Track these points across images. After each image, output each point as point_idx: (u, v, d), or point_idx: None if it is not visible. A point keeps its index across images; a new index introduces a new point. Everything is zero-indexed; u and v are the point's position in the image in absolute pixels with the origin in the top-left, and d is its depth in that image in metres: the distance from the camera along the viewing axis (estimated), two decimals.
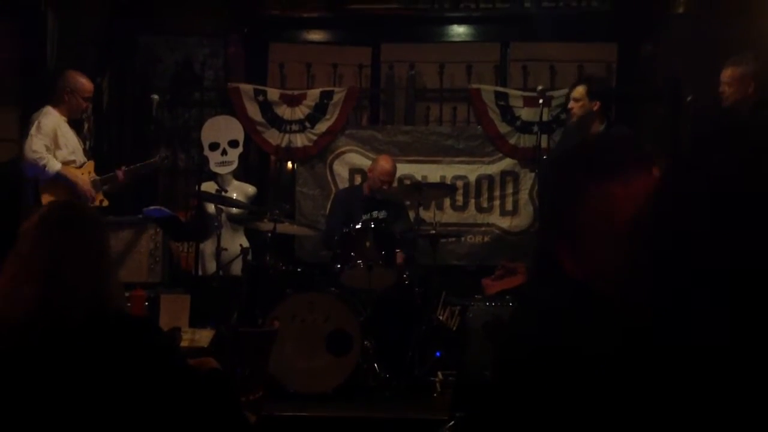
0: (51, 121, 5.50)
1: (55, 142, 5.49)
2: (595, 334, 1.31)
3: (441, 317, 5.59)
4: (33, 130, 5.41)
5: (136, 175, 5.94)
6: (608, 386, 1.19)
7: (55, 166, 5.40)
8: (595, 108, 5.44)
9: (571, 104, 5.57)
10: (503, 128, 6.89)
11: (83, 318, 2.04)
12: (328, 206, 6.80)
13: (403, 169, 6.92)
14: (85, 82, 5.67)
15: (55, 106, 5.59)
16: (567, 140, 5.86)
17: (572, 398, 1.32)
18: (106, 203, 5.71)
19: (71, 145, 5.62)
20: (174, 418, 2.12)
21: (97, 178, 5.71)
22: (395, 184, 6.83)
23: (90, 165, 5.72)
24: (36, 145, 5.37)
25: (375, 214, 6.14)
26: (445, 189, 6.67)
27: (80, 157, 5.67)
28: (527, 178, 6.89)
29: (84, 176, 5.60)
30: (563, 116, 6.82)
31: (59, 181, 5.43)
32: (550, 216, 1.55)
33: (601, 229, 1.41)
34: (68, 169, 5.52)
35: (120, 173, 5.76)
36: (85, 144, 6.15)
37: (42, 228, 2.12)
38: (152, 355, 2.12)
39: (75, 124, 5.89)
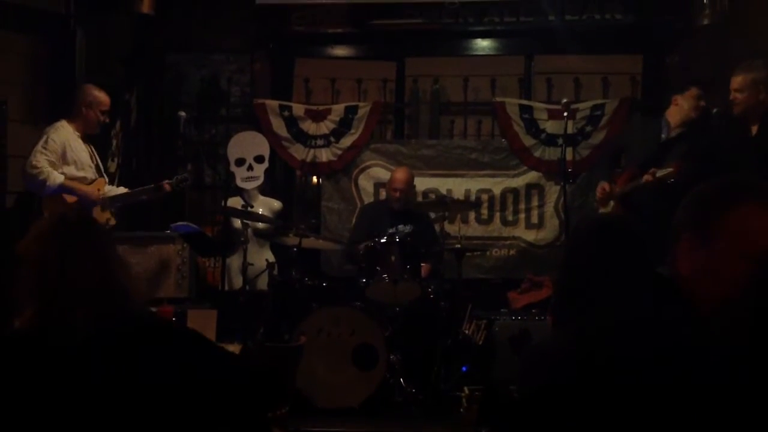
0: (61, 136, 5.52)
1: (63, 157, 5.50)
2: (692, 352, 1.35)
3: (467, 331, 5.57)
4: (40, 145, 5.44)
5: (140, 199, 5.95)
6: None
7: (57, 179, 5.42)
8: None
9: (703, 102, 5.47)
10: (528, 141, 6.89)
11: (92, 318, 2.05)
12: (354, 220, 6.82)
13: (428, 182, 6.94)
14: (102, 96, 5.68)
15: (70, 120, 5.62)
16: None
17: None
18: (113, 222, 5.69)
19: (81, 161, 5.62)
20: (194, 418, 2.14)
21: (107, 196, 5.71)
22: (420, 197, 6.86)
23: (100, 182, 5.71)
24: (37, 160, 5.40)
25: (401, 228, 6.14)
26: (470, 203, 6.67)
27: (90, 174, 5.67)
28: (552, 191, 6.87)
29: (94, 191, 5.61)
30: (588, 128, 6.81)
31: (63, 193, 5.45)
32: (684, 212, 1.53)
33: (737, 251, 1.42)
34: (73, 182, 5.52)
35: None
36: (113, 160, 6.22)
37: (45, 238, 2.14)
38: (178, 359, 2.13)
39: (101, 142, 5.94)
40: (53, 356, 2.02)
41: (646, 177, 5.07)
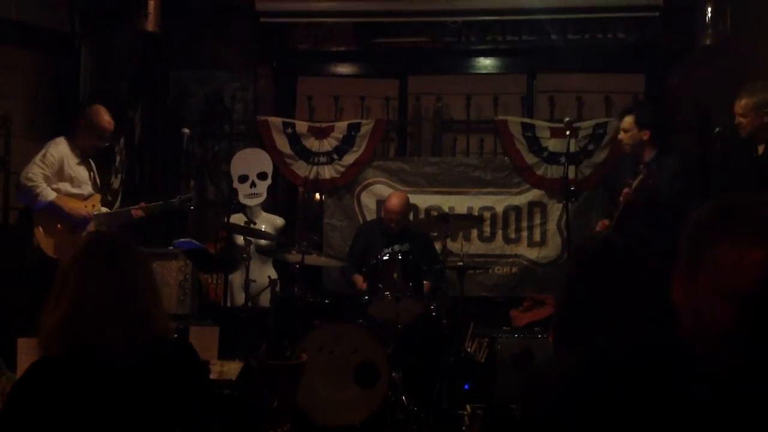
0: (60, 151, 5.55)
1: (59, 173, 5.53)
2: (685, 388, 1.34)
3: (469, 349, 5.57)
4: (38, 158, 5.48)
5: (153, 214, 5.92)
6: None
7: (48, 195, 5.44)
8: (645, 137, 5.39)
9: (621, 135, 5.53)
10: (530, 159, 6.90)
11: (144, 344, 2.10)
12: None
13: (431, 200, 6.95)
14: (103, 122, 5.67)
15: (71, 137, 5.64)
16: (621, 168, 5.81)
17: None
18: None
19: (78, 178, 5.64)
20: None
21: (102, 212, 5.73)
22: (422, 215, 6.86)
23: (95, 198, 5.74)
24: (33, 173, 5.43)
25: (397, 247, 6.15)
26: (472, 220, 6.67)
27: (86, 191, 5.69)
28: (555, 209, 6.88)
29: (85, 208, 5.62)
30: (591, 147, 6.83)
31: (53, 210, 5.47)
32: (683, 247, 1.43)
33: (717, 288, 1.34)
34: (63, 199, 5.53)
35: (134, 212, 5.76)
36: (117, 176, 6.23)
37: (92, 265, 2.15)
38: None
39: (104, 158, 5.95)
40: (96, 377, 2.05)
41: (625, 192, 5.13)
